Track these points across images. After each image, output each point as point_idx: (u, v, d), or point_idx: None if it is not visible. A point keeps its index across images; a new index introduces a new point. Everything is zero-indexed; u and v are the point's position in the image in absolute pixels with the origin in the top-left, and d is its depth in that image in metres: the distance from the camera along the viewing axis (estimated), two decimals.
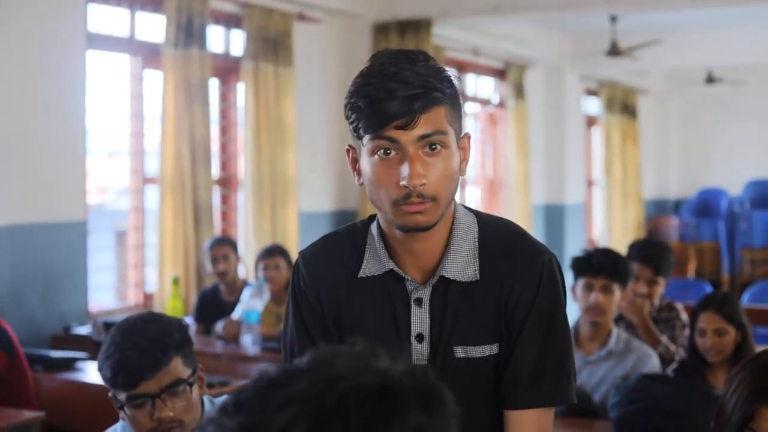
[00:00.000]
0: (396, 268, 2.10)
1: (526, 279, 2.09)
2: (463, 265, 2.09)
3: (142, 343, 2.45)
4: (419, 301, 2.10)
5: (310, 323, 2.17)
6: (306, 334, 2.18)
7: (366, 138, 1.99)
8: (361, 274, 2.14)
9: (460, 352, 2.09)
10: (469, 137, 2.11)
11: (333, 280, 2.16)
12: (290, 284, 2.22)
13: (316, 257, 2.20)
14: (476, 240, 2.11)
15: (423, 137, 1.96)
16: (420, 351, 2.10)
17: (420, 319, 2.10)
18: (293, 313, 2.20)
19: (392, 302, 2.12)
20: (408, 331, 2.11)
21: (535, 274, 2.09)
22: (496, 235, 2.14)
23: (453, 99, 2.03)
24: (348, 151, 2.09)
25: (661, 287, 5.11)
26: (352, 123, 2.00)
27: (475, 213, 2.17)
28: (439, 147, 1.98)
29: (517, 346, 2.09)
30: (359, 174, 2.06)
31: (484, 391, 2.12)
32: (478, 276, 2.09)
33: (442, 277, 2.09)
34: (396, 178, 1.97)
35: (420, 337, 2.11)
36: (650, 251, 5.13)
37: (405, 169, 1.96)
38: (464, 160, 2.09)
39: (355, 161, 2.07)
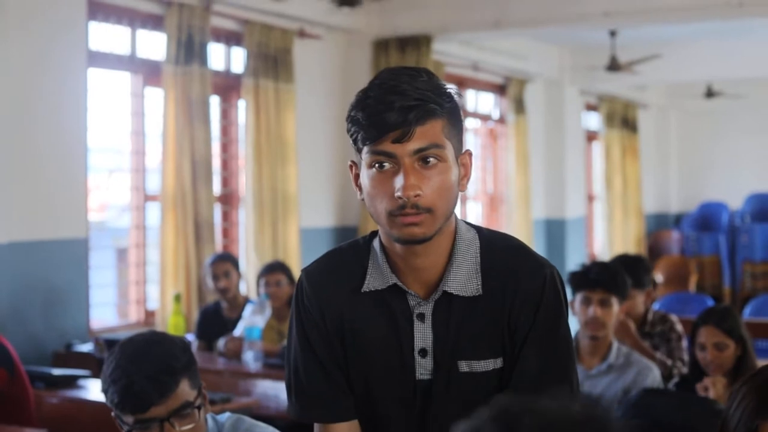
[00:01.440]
0: (399, 283, 2.12)
1: (529, 293, 2.10)
2: (465, 280, 2.10)
3: (150, 369, 2.44)
4: (422, 317, 2.12)
5: (314, 340, 2.18)
6: (310, 351, 2.19)
7: (364, 150, 2.02)
8: (364, 288, 2.14)
9: (464, 366, 2.11)
10: (470, 154, 2.13)
11: (336, 295, 2.17)
12: (294, 301, 2.23)
13: (320, 273, 2.21)
14: (478, 255, 2.13)
15: (418, 150, 1.99)
16: (424, 366, 2.12)
17: (423, 335, 2.11)
18: (297, 330, 2.21)
19: (395, 317, 2.13)
20: (411, 346, 2.12)
21: (537, 288, 2.10)
22: (498, 250, 2.15)
23: (452, 114, 2.04)
24: (351, 166, 2.11)
25: (638, 299, 5.09)
26: (352, 135, 2.03)
27: (477, 228, 2.18)
28: (434, 160, 2.01)
29: (521, 359, 2.10)
30: (360, 189, 2.08)
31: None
32: (480, 291, 2.10)
33: (444, 292, 2.10)
34: (391, 189, 1.99)
35: (423, 352, 2.12)
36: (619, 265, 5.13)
37: (399, 181, 1.98)
38: (465, 176, 2.11)
39: (357, 176, 2.09)
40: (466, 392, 2.10)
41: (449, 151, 2.03)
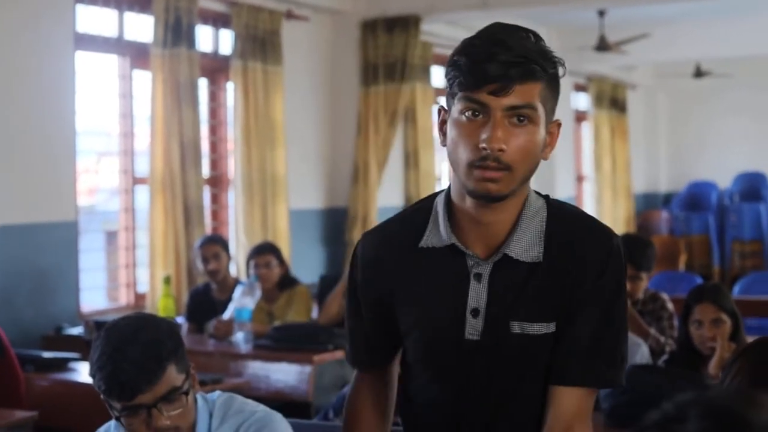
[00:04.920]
0: (457, 243, 2.12)
1: (594, 261, 2.10)
2: (528, 246, 2.10)
3: (136, 356, 2.41)
4: (479, 277, 2.12)
5: (364, 302, 2.24)
6: (358, 315, 2.26)
7: (458, 96, 2.02)
8: (422, 244, 2.15)
9: (516, 327, 2.10)
10: (559, 124, 2.13)
11: (393, 251, 2.19)
12: (349, 266, 2.29)
13: (378, 232, 2.26)
14: (544, 222, 2.13)
15: (512, 107, 1.99)
16: (474, 326, 2.12)
17: (477, 294, 2.11)
18: (349, 294, 2.28)
19: (451, 275, 2.13)
20: (464, 305, 2.12)
21: (602, 257, 2.10)
22: (565, 219, 2.16)
23: (552, 80, 2.05)
24: (439, 111, 2.12)
25: (644, 282, 5.09)
26: (450, 80, 2.04)
27: (545, 197, 2.19)
28: (526, 120, 2.01)
29: (577, 324, 2.10)
30: (444, 135, 2.09)
31: (537, 370, 2.13)
32: (541, 258, 2.10)
33: (505, 255, 2.10)
34: (477, 139, 1.99)
35: (475, 312, 2.11)
36: (629, 247, 5.07)
37: (486, 132, 1.98)
38: (550, 145, 2.11)
39: (443, 123, 2.10)
40: (515, 354, 2.11)
41: (541, 115, 2.03)
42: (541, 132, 2.04)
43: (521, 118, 2.00)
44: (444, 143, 2.10)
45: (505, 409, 2.15)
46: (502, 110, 1.98)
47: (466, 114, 2.00)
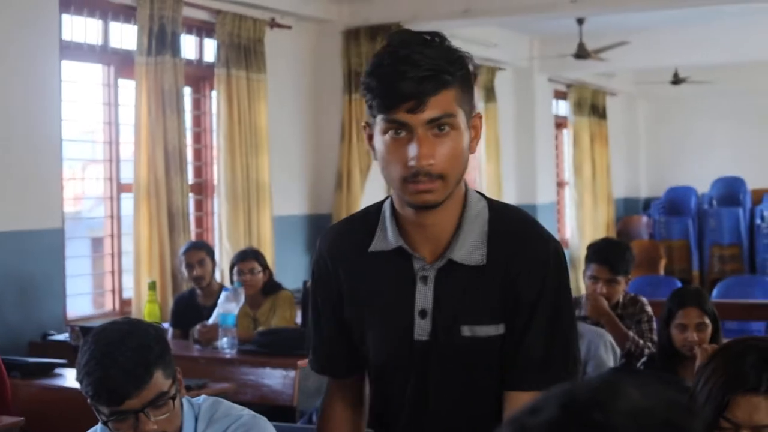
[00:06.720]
0: (405, 246, 2.19)
1: (534, 265, 2.15)
2: (471, 249, 2.16)
3: (123, 362, 2.43)
4: (425, 279, 2.18)
5: (322, 300, 2.33)
6: (317, 311, 2.35)
7: (379, 117, 2.07)
8: (371, 249, 2.23)
9: (466, 331, 2.16)
10: (480, 116, 2.18)
11: (347, 254, 2.27)
12: (312, 263, 2.38)
13: (334, 234, 2.33)
14: (486, 226, 2.18)
15: (432, 120, 2.03)
16: (422, 327, 2.19)
17: (424, 296, 2.18)
18: (311, 290, 2.36)
19: (399, 278, 2.21)
20: (412, 307, 2.19)
21: (542, 261, 2.16)
22: (506, 222, 2.20)
23: (463, 80, 2.09)
24: (365, 127, 2.16)
25: (622, 286, 5.08)
26: (366, 102, 2.09)
27: (488, 199, 2.25)
28: (447, 128, 2.05)
29: (528, 331, 2.15)
30: (374, 149, 2.14)
31: (490, 371, 2.19)
32: (485, 261, 2.16)
33: (449, 260, 2.16)
34: (405, 157, 2.05)
35: (423, 313, 2.18)
36: (606, 251, 5.09)
37: (413, 150, 2.04)
38: (475, 138, 2.16)
39: (370, 137, 2.15)
40: (467, 356, 2.17)
41: (461, 118, 2.08)
42: (465, 133, 2.10)
43: (442, 127, 2.05)
44: (375, 158, 2.15)
45: (464, 409, 2.21)
46: (422, 125, 2.03)
47: (390, 133, 2.06)
